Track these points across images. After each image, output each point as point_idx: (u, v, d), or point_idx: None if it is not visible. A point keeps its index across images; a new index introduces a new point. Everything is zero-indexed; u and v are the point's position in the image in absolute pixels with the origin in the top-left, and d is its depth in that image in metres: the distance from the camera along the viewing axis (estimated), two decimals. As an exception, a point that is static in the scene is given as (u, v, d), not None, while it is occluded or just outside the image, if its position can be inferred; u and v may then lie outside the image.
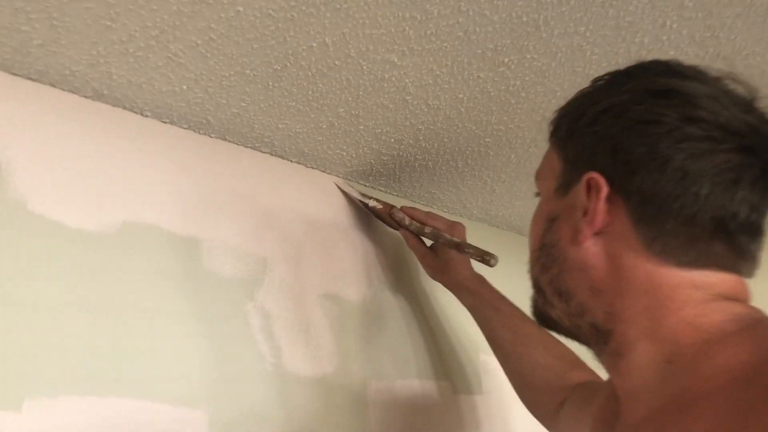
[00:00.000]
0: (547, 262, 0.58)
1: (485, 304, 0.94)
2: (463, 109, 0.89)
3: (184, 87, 0.76)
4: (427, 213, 0.99)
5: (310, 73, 0.77)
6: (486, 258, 0.90)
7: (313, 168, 1.00)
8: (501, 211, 1.26)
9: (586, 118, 0.55)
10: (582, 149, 0.55)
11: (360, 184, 1.07)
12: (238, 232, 0.86)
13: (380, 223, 1.06)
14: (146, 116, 0.81)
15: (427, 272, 1.02)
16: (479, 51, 0.77)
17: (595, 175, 0.53)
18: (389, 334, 1.01)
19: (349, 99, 0.83)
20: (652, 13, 0.75)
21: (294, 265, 0.91)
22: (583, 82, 0.86)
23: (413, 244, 1.00)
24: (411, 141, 0.96)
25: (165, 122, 0.83)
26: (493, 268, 0.93)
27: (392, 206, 1.00)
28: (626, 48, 0.80)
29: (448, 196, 1.16)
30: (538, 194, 0.64)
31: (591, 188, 0.53)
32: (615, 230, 0.53)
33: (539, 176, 0.64)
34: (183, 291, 0.77)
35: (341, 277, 0.97)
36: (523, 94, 0.88)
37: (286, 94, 0.81)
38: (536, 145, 1.02)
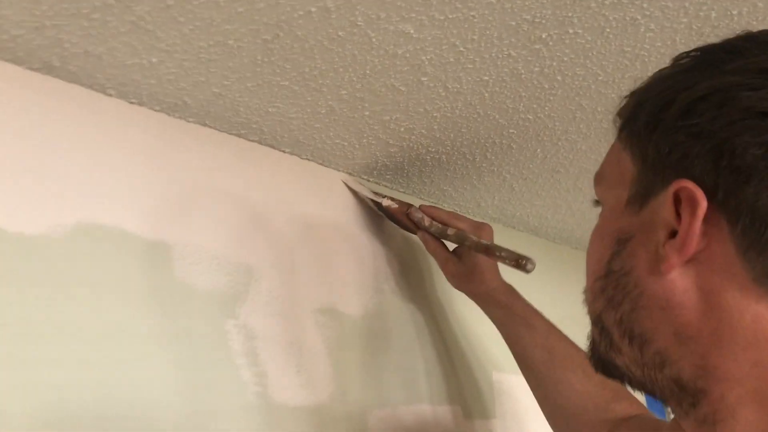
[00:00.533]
0: (615, 295, 0.44)
1: (516, 320, 0.82)
2: (487, 94, 0.76)
3: (154, 60, 0.63)
4: (450, 213, 0.87)
5: (307, 46, 0.64)
6: (521, 262, 0.76)
7: (309, 160, 0.86)
8: (519, 210, 1.13)
9: (677, 107, 0.41)
10: (670, 149, 0.41)
11: (364, 179, 0.93)
12: (218, 236, 0.72)
13: (388, 225, 0.93)
14: (109, 95, 0.67)
15: (450, 281, 0.89)
16: (513, 23, 0.64)
17: (688, 185, 0.39)
18: (394, 353, 0.88)
19: (354, 79, 0.70)
20: (726, -19, 0.61)
21: (285, 274, 0.78)
22: (630, 65, 0.73)
23: (434, 248, 0.87)
24: (424, 131, 0.82)
25: (132, 102, 0.69)
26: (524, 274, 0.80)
27: (409, 205, 0.88)
28: (688, 23, 0.67)
29: (461, 193, 1.03)
30: (597, 203, 0.51)
31: (682, 202, 0.40)
32: (713, 258, 0.39)
33: (602, 181, 0.50)
34: (149, 307, 0.64)
35: (340, 288, 0.84)
36: (559, 78, 0.74)
37: (277, 71, 0.67)
38: (567, 137, 0.88)
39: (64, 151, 0.62)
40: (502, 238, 0.89)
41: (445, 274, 0.89)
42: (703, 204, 0.39)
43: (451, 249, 0.88)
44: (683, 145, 0.41)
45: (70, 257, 0.60)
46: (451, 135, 0.84)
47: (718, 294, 0.39)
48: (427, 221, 0.86)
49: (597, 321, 0.47)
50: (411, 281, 0.95)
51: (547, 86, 0.75)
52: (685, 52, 0.45)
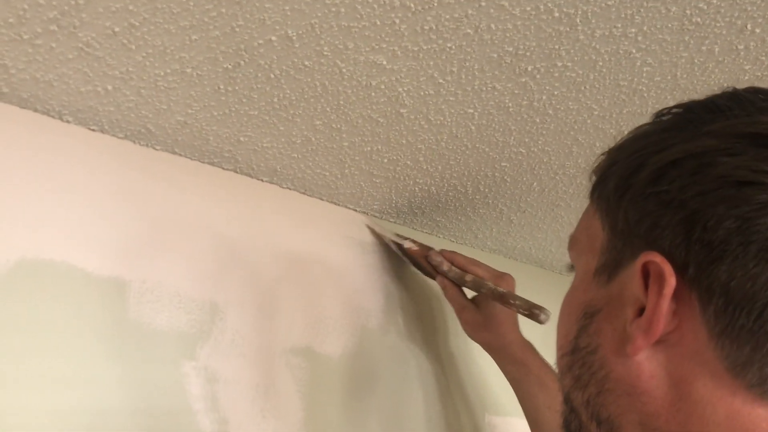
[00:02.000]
0: (582, 374, 0.39)
1: (531, 378, 0.78)
2: (473, 127, 0.71)
3: (109, 87, 0.59)
4: (470, 259, 0.84)
5: (272, 75, 0.59)
6: (535, 312, 0.73)
7: (290, 189, 0.82)
8: (520, 243, 1.07)
9: (648, 172, 0.37)
10: (639, 217, 0.37)
11: (350, 208, 0.89)
12: (183, 271, 0.68)
13: (374, 260, 0.88)
14: (67, 122, 0.64)
15: (465, 329, 0.86)
16: (495, 55, 0.59)
17: (656, 258, 0.35)
18: (375, 396, 0.83)
19: (327, 109, 0.65)
20: (730, 12, 0.56)
21: (254, 311, 0.73)
22: (627, 100, 0.68)
23: (452, 295, 0.84)
24: (409, 162, 0.77)
25: (93, 129, 0.65)
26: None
27: (429, 248, 0.86)
28: (689, 58, 0.61)
29: (455, 224, 0.97)
30: (572, 268, 0.46)
31: (650, 276, 0.35)
32: (684, 342, 0.34)
33: (574, 245, 0.45)
34: (98, 350, 0.60)
35: (316, 326, 0.79)
36: (550, 112, 0.69)
37: (243, 100, 0.63)
38: (564, 172, 0.83)
39: (10, 179, 0.59)
40: (504, 269, 0.84)
41: (461, 322, 0.86)
42: (671, 281, 0.34)
43: (469, 297, 0.85)
44: (653, 214, 0.36)
45: (10, 296, 0.56)
46: (439, 167, 0.79)
47: (689, 383, 0.34)
48: (446, 266, 0.83)
49: (566, 399, 0.42)
50: (397, 319, 0.90)
51: (538, 120, 0.70)
52: (668, 108, 0.41)
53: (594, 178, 0.43)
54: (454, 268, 0.84)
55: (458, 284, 0.84)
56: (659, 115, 0.41)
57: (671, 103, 0.69)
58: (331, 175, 0.79)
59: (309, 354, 0.77)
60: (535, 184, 0.85)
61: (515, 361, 0.81)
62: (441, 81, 0.62)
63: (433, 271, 0.86)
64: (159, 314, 0.65)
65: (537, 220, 0.98)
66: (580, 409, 0.40)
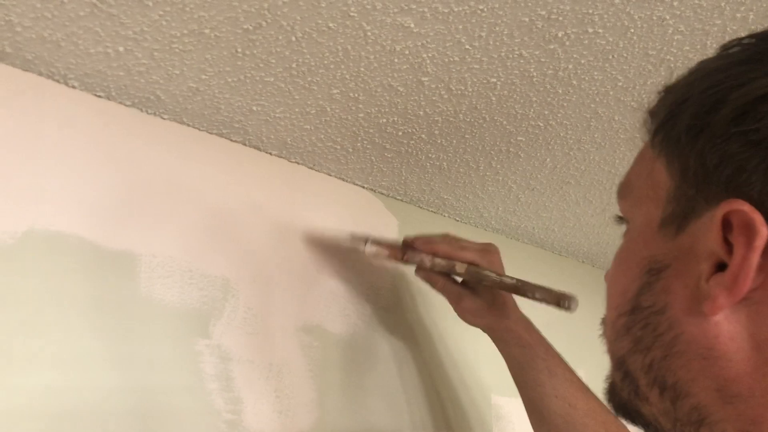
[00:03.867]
0: (644, 336, 0.36)
1: (538, 363, 0.71)
2: (494, 98, 0.69)
3: (121, 49, 0.56)
4: (447, 239, 0.74)
5: (293, 38, 0.57)
6: (562, 302, 0.66)
7: (299, 164, 0.79)
8: (524, 222, 1.05)
9: (730, 109, 0.33)
10: (719, 161, 0.33)
11: (357, 185, 0.86)
12: (193, 246, 0.65)
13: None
14: (72, 87, 0.60)
15: (464, 317, 0.77)
16: (526, 19, 0.57)
17: (743, 207, 0.31)
18: (383, 376, 0.81)
19: (347, 77, 0.63)
20: (769, -22, 0.54)
21: (266, 288, 0.71)
22: (654, 71, 0.66)
23: (442, 286, 0.76)
24: (424, 135, 0.75)
25: (99, 96, 0.62)
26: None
27: (401, 247, 0.75)
28: (722, 26, 0.59)
29: (462, 203, 0.95)
30: (621, 220, 0.43)
31: (734, 228, 0.32)
32: None
33: (628, 194, 0.41)
34: (110, 326, 0.57)
35: (327, 304, 0.76)
36: (574, 82, 0.67)
37: (261, 65, 0.60)
38: (580, 147, 0.81)
39: (17, 148, 0.55)
40: (505, 249, 0.81)
41: (459, 311, 0.77)
42: (763, 232, 0.31)
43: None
44: (737, 157, 0.32)
45: (19, 268, 0.53)
46: (454, 141, 0.77)
47: None
48: (428, 261, 0.73)
49: (619, 364, 0.39)
50: (404, 297, 0.88)
51: (561, 91, 0.68)
52: (737, 40, 0.36)
53: (652, 120, 0.39)
54: (437, 260, 0.73)
55: (446, 273, 0.75)
56: (727, 47, 0.36)
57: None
58: (342, 148, 0.76)
59: (320, 332, 0.74)
60: (548, 160, 0.84)
61: (521, 344, 0.74)
62: (468, 47, 0.60)
63: (414, 269, 0.77)
64: (170, 290, 0.62)
65: (545, 198, 0.96)
66: (639, 374, 0.37)
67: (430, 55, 0.60)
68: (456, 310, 0.77)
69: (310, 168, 0.80)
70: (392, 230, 0.89)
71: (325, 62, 0.60)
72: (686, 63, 0.64)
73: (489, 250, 0.74)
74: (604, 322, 0.42)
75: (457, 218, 1.01)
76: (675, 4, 0.56)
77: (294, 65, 0.60)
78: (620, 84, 0.68)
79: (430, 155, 0.80)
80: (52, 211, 0.56)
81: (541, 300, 0.68)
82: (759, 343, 0.32)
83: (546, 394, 0.70)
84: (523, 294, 0.69)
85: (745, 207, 0.31)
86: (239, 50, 0.57)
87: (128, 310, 0.58)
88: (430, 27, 0.57)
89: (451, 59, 0.61)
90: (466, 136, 0.76)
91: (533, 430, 0.72)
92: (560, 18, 0.57)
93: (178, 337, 0.61)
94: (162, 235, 0.63)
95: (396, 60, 0.61)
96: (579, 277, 1.24)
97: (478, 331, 0.88)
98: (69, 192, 0.57)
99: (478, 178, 0.87)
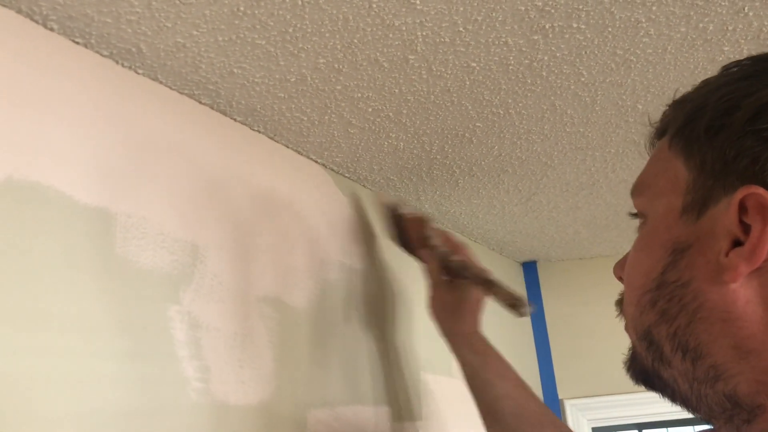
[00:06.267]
0: (670, 307, 0.42)
1: (490, 367, 0.79)
2: (468, 82, 0.71)
3: (116, -8, 0.53)
4: (463, 243, 0.88)
5: (299, 2, 0.56)
6: (516, 305, 0.73)
7: (260, 132, 0.78)
8: (454, 207, 1.09)
9: (743, 112, 0.40)
10: (737, 153, 0.39)
11: (311, 159, 0.86)
12: (165, 208, 0.63)
13: (343, 210, 0.87)
14: (50, 29, 0.56)
15: (431, 309, 0.86)
16: (522, 8, 0.60)
17: (758, 191, 0.37)
18: (337, 350, 0.82)
19: (338, 47, 0.63)
20: (732, -6, 0.61)
21: (231, 256, 0.69)
22: (615, 69, 0.71)
23: (432, 268, 0.86)
24: (391, 114, 0.77)
25: (77, 43, 0.58)
26: None
27: (426, 220, 0.88)
28: (684, 34, 0.66)
29: (405, 184, 0.98)
30: (635, 215, 0.48)
31: (749, 210, 0.38)
32: None
33: (645, 190, 0.47)
34: (85, 285, 0.54)
35: (285, 275, 0.76)
36: (544, 74, 0.71)
37: (258, 26, 0.59)
38: (527, 137, 0.86)
39: (-8, 89, 0.50)
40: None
41: (430, 298, 0.86)
42: None
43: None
44: (752, 150, 0.39)
45: (-5, 219, 0.48)
46: (417, 122, 0.79)
47: None
48: (440, 240, 0.85)
49: (645, 335, 0.44)
50: (356, 275, 0.89)
51: (529, 81, 0.72)
52: (735, 62, 0.44)
53: (674, 123, 0.45)
54: (443, 245, 0.85)
55: (442, 261, 0.84)
56: (728, 68, 0.43)
57: (651, 79, 0.74)
58: (309, 120, 0.76)
59: (278, 304, 0.74)
60: (496, 147, 0.88)
61: (475, 350, 0.81)
62: (461, 29, 0.62)
63: (419, 244, 0.86)
64: (144, 252, 0.59)
65: (481, 184, 1.01)
66: (663, 341, 0.42)
67: (424, 33, 0.62)
68: (428, 297, 0.86)
69: (271, 138, 0.79)
70: (341, 207, 0.90)
71: (322, 30, 0.60)
72: (644, 66, 0.71)
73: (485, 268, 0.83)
74: (625, 304, 0.46)
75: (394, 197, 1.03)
76: (653, 8, 0.61)
77: (290, 29, 0.59)
78: (582, 79, 0.73)
79: (390, 134, 0.82)
80: (29, 160, 0.52)
81: (500, 297, 0.75)
82: None
83: (498, 395, 0.77)
84: (489, 288, 0.77)
85: (760, 191, 0.37)
86: (241, 8, 0.56)
87: (103, 269, 0.55)
88: (432, 5, 0.58)
89: (442, 40, 0.63)
90: (431, 117, 0.78)
91: (486, 431, 0.77)
92: (552, 10, 0.60)
93: (152, 301, 0.59)
94: (135, 195, 0.60)
95: (391, 35, 0.62)
96: (486, 263, 1.31)
97: (418, 315, 0.91)
98: (43, 140, 0.53)
99: (427, 160, 0.90)
